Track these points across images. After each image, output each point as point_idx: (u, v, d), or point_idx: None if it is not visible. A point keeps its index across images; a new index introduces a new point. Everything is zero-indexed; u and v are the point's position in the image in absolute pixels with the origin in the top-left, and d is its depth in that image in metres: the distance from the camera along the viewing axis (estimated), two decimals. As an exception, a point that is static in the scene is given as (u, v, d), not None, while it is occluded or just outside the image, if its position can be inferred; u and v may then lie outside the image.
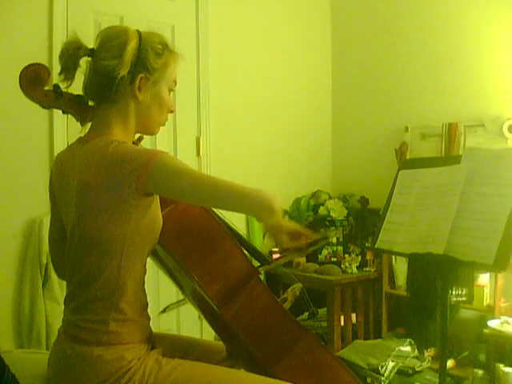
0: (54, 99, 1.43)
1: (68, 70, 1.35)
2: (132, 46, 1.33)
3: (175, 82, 1.44)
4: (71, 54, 1.34)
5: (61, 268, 1.50)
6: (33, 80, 1.40)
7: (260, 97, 3.67)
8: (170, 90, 1.43)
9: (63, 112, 1.48)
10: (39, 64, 1.42)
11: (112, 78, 1.32)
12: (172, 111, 1.46)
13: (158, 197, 1.35)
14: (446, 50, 3.28)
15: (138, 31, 1.38)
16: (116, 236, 1.29)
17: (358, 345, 3.01)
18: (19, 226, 2.79)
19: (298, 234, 1.45)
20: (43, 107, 1.47)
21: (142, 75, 1.35)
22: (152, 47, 1.36)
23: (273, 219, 1.30)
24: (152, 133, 1.47)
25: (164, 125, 1.47)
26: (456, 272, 1.62)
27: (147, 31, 1.40)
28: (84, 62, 1.38)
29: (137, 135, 1.50)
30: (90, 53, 1.36)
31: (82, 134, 1.42)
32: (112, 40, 1.34)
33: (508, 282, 2.81)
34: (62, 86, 1.38)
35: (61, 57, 1.35)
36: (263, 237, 3.65)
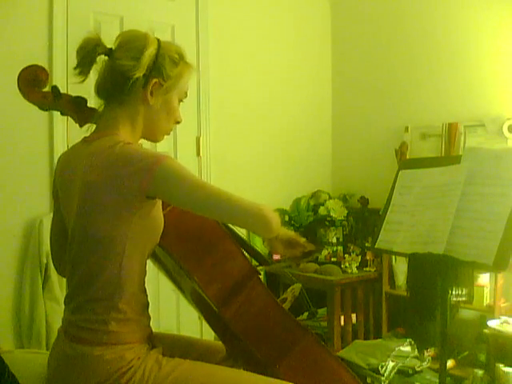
0: (53, 101, 1.44)
1: (84, 66, 1.36)
2: (150, 51, 1.35)
3: (186, 94, 1.46)
4: (89, 49, 1.35)
5: (61, 265, 1.51)
6: (31, 82, 1.40)
7: (260, 97, 3.66)
8: (180, 100, 1.45)
9: (62, 113, 1.48)
10: (37, 66, 1.42)
11: (126, 78, 1.33)
12: (179, 122, 1.47)
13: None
14: (446, 50, 3.28)
15: (157, 38, 1.40)
16: (117, 236, 1.29)
17: (358, 345, 3.01)
18: (19, 226, 2.79)
19: (294, 243, 1.47)
20: (42, 109, 1.47)
21: (156, 80, 1.36)
22: (169, 55, 1.39)
23: (269, 236, 1.34)
24: (156, 140, 1.47)
25: (169, 134, 1.49)
26: (456, 272, 1.62)
27: (166, 40, 1.42)
28: (99, 60, 1.38)
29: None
30: (108, 52, 1.37)
31: (86, 134, 1.42)
32: (131, 42, 1.37)
33: (508, 282, 2.81)
34: (76, 80, 1.38)
35: (78, 51, 1.36)
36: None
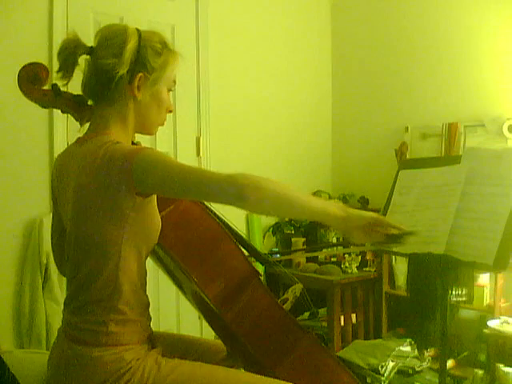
0: (53, 99, 1.43)
1: (66, 68, 1.34)
2: (131, 45, 1.32)
3: (174, 82, 1.43)
4: (70, 51, 1.33)
5: (62, 265, 1.51)
6: (31, 79, 1.40)
7: (260, 97, 3.67)
8: (169, 89, 1.42)
9: (62, 111, 1.48)
10: (38, 63, 1.42)
11: (111, 76, 1.31)
12: (170, 111, 1.45)
13: (155, 198, 1.34)
14: (446, 50, 3.28)
15: (137, 30, 1.37)
16: (113, 237, 1.28)
17: (358, 345, 3.01)
18: (19, 226, 2.79)
19: (375, 225, 1.30)
20: (42, 107, 1.47)
21: (141, 74, 1.34)
22: (151, 46, 1.35)
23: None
24: (150, 133, 1.45)
25: (163, 125, 1.46)
26: (456, 272, 1.62)
27: (147, 30, 1.39)
28: (82, 60, 1.37)
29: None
30: (89, 51, 1.35)
31: (81, 134, 1.42)
32: (111, 38, 1.34)
33: (508, 282, 2.81)
34: (60, 84, 1.37)
35: (59, 54, 1.34)
36: (263, 237, 3.65)
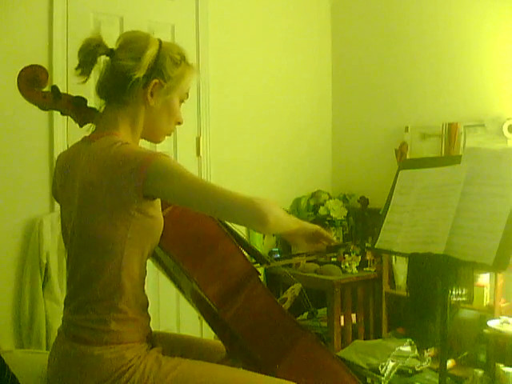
0: (53, 101, 1.44)
1: (85, 66, 1.36)
2: (151, 52, 1.36)
3: (187, 95, 1.46)
4: (90, 50, 1.36)
5: None
6: (31, 82, 1.41)
7: (260, 97, 3.67)
8: (181, 101, 1.45)
9: (62, 113, 1.49)
10: (37, 65, 1.42)
11: (127, 78, 1.34)
12: (179, 123, 1.47)
13: (159, 199, 1.34)
14: (446, 50, 3.28)
15: (159, 39, 1.40)
16: (116, 236, 1.29)
17: (358, 345, 3.01)
18: (19, 226, 2.79)
19: (318, 236, 1.45)
20: (42, 109, 1.47)
21: (156, 81, 1.36)
22: (170, 56, 1.39)
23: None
24: (157, 140, 1.47)
25: (169, 135, 1.48)
26: (456, 272, 1.62)
27: (168, 41, 1.43)
28: (101, 61, 1.39)
29: None
30: (110, 52, 1.38)
31: (86, 134, 1.42)
32: (133, 43, 1.37)
33: (508, 282, 2.81)
34: (79, 80, 1.38)
35: (80, 51, 1.37)
36: (263, 237, 3.65)
